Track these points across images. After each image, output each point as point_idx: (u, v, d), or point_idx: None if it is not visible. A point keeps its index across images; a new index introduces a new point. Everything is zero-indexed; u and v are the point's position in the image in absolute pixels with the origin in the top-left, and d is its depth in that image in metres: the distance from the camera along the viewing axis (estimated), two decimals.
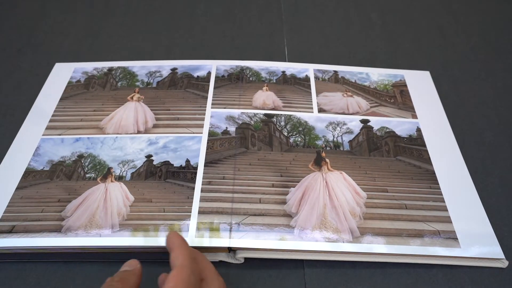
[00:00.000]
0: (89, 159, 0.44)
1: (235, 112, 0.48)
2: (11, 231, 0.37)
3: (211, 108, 0.49)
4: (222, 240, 0.36)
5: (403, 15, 0.65)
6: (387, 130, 0.47)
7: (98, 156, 0.44)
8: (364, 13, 0.65)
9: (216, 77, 0.53)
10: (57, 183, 0.42)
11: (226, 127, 0.47)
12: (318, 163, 0.43)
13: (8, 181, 0.41)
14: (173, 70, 0.54)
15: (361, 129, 0.47)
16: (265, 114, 0.48)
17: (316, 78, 0.53)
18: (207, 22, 0.63)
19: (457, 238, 0.37)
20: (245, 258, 0.37)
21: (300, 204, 0.39)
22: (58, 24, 0.63)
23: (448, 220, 0.38)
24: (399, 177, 0.42)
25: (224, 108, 0.49)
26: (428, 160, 0.44)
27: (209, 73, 0.53)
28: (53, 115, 0.48)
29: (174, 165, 0.43)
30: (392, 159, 0.44)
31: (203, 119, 0.47)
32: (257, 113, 0.48)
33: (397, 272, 0.36)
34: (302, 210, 0.38)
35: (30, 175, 0.42)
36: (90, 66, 0.55)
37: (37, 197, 0.40)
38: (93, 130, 0.46)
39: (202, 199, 0.39)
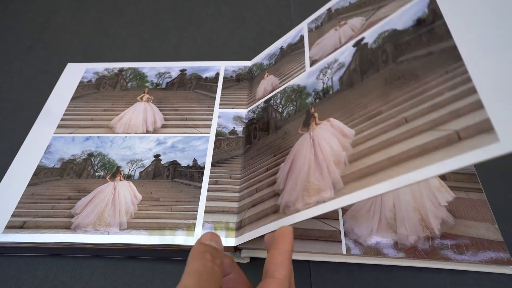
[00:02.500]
0: (98, 158, 0.44)
1: (243, 112, 0.48)
2: (22, 226, 0.38)
3: (219, 108, 0.49)
4: (228, 239, 0.36)
5: None
6: (385, 34, 0.36)
7: (108, 155, 0.44)
8: None
9: (224, 78, 0.53)
10: (67, 180, 0.42)
11: (233, 127, 0.47)
12: (307, 123, 0.39)
13: (20, 178, 0.42)
14: (182, 71, 0.55)
15: (353, 56, 0.39)
16: (265, 101, 0.47)
17: (310, 30, 0.49)
18: (216, 22, 0.63)
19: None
20: (251, 258, 0.37)
21: (287, 178, 0.36)
22: (67, 22, 0.64)
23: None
24: (398, 86, 0.31)
25: (232, 108, 0.49)
26: (447, 35, 0.29)
27: (217, 74, 0.53)
28: (64, 114, 0.49)
29: (182, 165, 0.43)
30: (390, 68, 0.33)
31: (210, 119, 0.48)
32: (259, 104, 0.48)
33: (404, 276, 0.36)
34: (288, 184, 0.36)
35: (41, 172, 0.43)
36: (101, 67, 0.55)
37: (47, 194, 0.41)
38: (103, 130, 0.47)
39: (208, 199, 0.40)
